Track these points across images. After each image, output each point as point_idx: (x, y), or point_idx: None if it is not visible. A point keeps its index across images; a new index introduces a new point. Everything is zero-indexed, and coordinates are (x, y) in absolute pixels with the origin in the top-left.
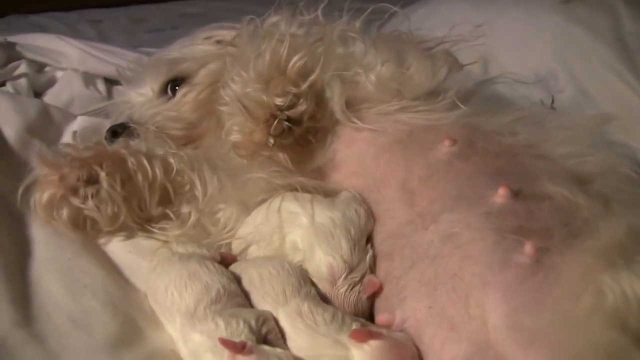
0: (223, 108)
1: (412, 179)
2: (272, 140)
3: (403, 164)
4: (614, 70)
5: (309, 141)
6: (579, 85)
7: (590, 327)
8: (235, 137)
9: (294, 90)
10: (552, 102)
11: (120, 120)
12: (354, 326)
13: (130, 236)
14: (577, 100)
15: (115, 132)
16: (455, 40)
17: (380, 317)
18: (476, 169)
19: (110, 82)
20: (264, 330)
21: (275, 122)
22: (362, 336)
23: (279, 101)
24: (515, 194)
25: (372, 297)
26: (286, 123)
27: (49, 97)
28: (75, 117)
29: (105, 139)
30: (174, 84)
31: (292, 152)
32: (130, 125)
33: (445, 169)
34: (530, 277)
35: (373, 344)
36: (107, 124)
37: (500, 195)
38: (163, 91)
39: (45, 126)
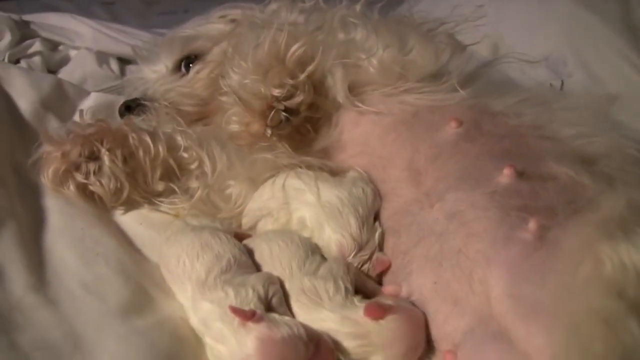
0: (223, 98)
1: (418, 159)
2: (269, 131)
3: (409, 144)
4: (624, 56)
5: (308, 130)
6: (588, 70)
7: (588, 295)
8: (233, 127)
9: (291, 81)
10: (562, 86)
11: (134, 95)
12: (357, 300)
13: (141, 209)
14: (586, 84)
15: (129, 107)
16: (457, 21)
17: (388, 288)
18: (482, 150)
19: (123, 61)
20: (270, 293)
21: (272, 113)
22: (378, 313)
23: (276, 92)
24: (520, 174)
25: (381, 275)
26: (284, 114)
27: (63, 75)
28: (89, 93)
29: (119, 113)
30: (187, 61)
31: (291, 142)
32: (144, 101)
33: (452, 150)
34: (534, 253)
35: (390, 318)
36: (121, 100)
37: (506, 175)
38: (177, 68)
39: (59, 101)
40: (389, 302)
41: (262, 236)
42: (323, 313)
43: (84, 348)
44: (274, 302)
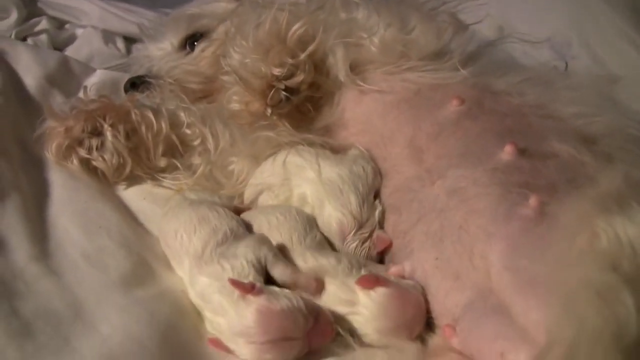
0: (224, 77)
1: (420, 136)
2: (269, 110)
3: (411, 122)
4: (628, 38)
5: (308, 110)
6: (592, 52)
7: (583, 268)
8: (234, 106)
9: (292, 61)
10: (566, 67)
11: (140, 73)
12: (363, 271)
13: (144, 185)
14: (590, 66)
15: (134, 84)
16: (459, 0)
17: (392, 269)
18: (484, 128)
19: (130, 40)
20: (262, 257)
21: (272, 92)
22: (369, 283)
23: (276, 71)
24: (522, 152)
25: (382, 253)
26: (284, 93)
27: (69, 54)
28: (94, 70)
29: (124, 90)
30: (193, 39)
31: (291, 120)
32: (149, 78)
33: (453, 127)
34: (533, 228)
35: (380, 290)
36: (126, 78)
37: (507, 152)
38: (182, 46)
39: (65, 77)
40: (390, 278)
41: (260, 209)
42: (325, 279)
43: (85, 317)
44: (268, 263)
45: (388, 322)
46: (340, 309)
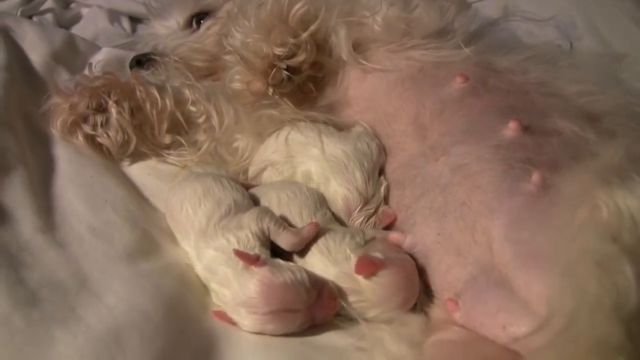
0: (227, 57)
1: (424, 114)
2: (271, 90)
3: (415, 99)
4: (635, 19)
5: (310, 89)
6: (598, 33)
7: (584, 239)
8: (235, 85)
9: (293, 40)
10: (571, 48)
11: (145, 50)
12: (353, 255)
13: (149, 161)
14: (595, 48)
15: (139, 62)
16: None
17: (393, 235)
18: (487, 105)
19: (135, 19)
20: (265, 227)
21: (274, 71)
22: (368, 269)
23: (278, 51)
24: (525, 128)
25: (387, 228)
26: (285, 72)
27: (75, 33)
28: (100, 48)
29: (130, 67)
30: (199, 17)
31: (293, 100)
32: (154, 55)
33: (457, 105)
34: (536, 203)
35: (382, 274)
36: (131, 56)
37: (511, 129)
38: (188, 24)
39: (70, 55)
40: (379, 255)
41: (269, 185)
42: (327, 266)
43: (91, 288)
44: (271, 233)
45: (397, 300)
46: (348, 298)
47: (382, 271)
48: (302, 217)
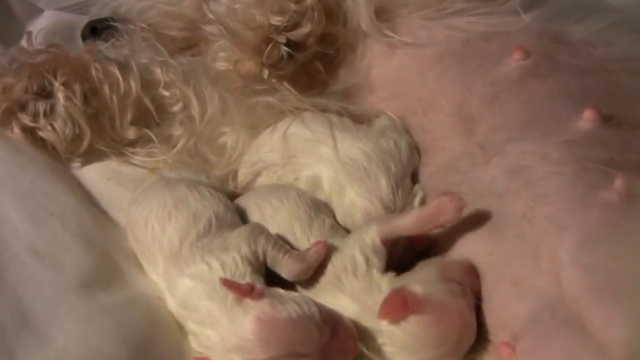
0: (208, 28)
1: (470, 100)
2: (266, 71)
3: (458, 81)
4: None
5: (318, 70)
6: None
7: None
8: (220, 65)
9: (295, 6)
10: None
11: (103, 15)
12: (384, 283)
13: (108, 161)
14: None
15: (95, 30)
16: None
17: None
18: (555, 88)
19: None
20: (260, 251)
21: (270, 47)
22: (397, 310)
23: (275, 20)
24: (606, 119)
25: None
26: (285, 48)
27: None
28: (41, 11)
29: (82, 38)
30: None
31: (295, 85)
32: (114, 22)
33: (515, 88)
34: (619, 219)
35: (413, 320)
36: (84, 21)
37: (586, 119)
38: None
39: (2, 21)
40: (419, 290)
41: (250, 194)
42: (340, 299)
43: (34, 325)
44: (268, 258)
45: (428, 351)
46: (368, 341)
47: (414, 316)
48: (294, 235)
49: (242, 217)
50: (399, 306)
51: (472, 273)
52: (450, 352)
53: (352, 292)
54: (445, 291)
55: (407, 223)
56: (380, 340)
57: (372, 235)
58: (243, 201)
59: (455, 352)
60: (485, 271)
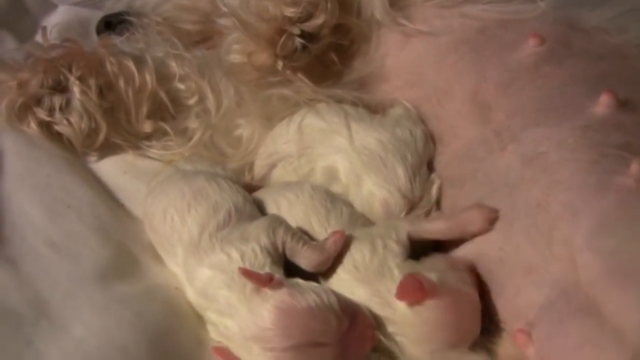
0: (221, 20)
1: (485, 88)
2: (280, 63)
3: (474, 69)
4: None
5: (332, 61)
6: None
7: None
8: (233, 58)
9: None
10: None
11: (117, 9)
12: (397, 271)
13: (124, 155)
14: None
15: (109, 24)
16: None
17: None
18: (571, 74)
19: None
20: (279, 242)
21: (284, 39)
22: (413, 295)
23: (289, 12)
24: (622, 103)
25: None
26: (299, 40)
27: None
28: (56, 6)
29: (97, 32)
30: None
31: (310, 76)
32: (129, 16)
33: (530, 75)
34: (635, 203)
35: (429, 304)
36: (99, 16)
37: (602, 104)
38: None
39: (16, 16)
40: (433, 276)
41: (266, 190)
42: (354, 287)
43: (51, 315)
44: (287, 249)
45: (439, 341)
46: (382, 329)
47: (430, 300)
48: (312, 227)
49: (259, 211)
50: (416, 289)
51: (472, 269)
52: (459, 340)
53: (367, 280)
54: (457, 279)
55: (436, 228)
56: (391, 329)
57: (401, 232)
58: (259, 197)
59: (463, 342)
60: (498, 265)
